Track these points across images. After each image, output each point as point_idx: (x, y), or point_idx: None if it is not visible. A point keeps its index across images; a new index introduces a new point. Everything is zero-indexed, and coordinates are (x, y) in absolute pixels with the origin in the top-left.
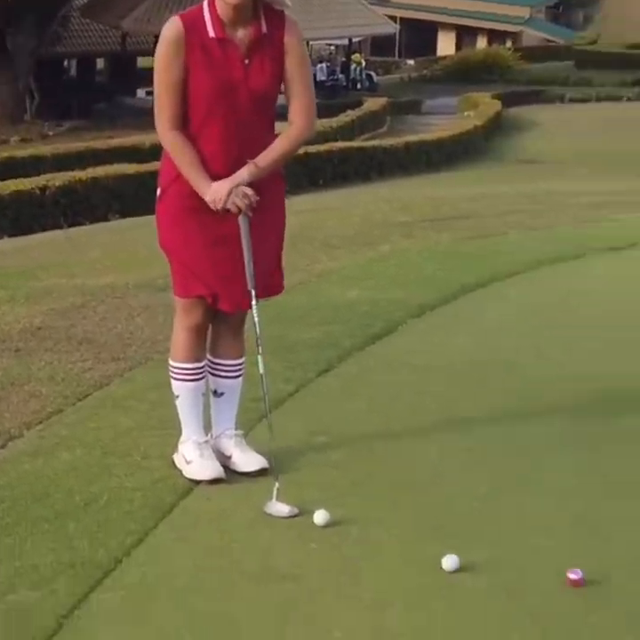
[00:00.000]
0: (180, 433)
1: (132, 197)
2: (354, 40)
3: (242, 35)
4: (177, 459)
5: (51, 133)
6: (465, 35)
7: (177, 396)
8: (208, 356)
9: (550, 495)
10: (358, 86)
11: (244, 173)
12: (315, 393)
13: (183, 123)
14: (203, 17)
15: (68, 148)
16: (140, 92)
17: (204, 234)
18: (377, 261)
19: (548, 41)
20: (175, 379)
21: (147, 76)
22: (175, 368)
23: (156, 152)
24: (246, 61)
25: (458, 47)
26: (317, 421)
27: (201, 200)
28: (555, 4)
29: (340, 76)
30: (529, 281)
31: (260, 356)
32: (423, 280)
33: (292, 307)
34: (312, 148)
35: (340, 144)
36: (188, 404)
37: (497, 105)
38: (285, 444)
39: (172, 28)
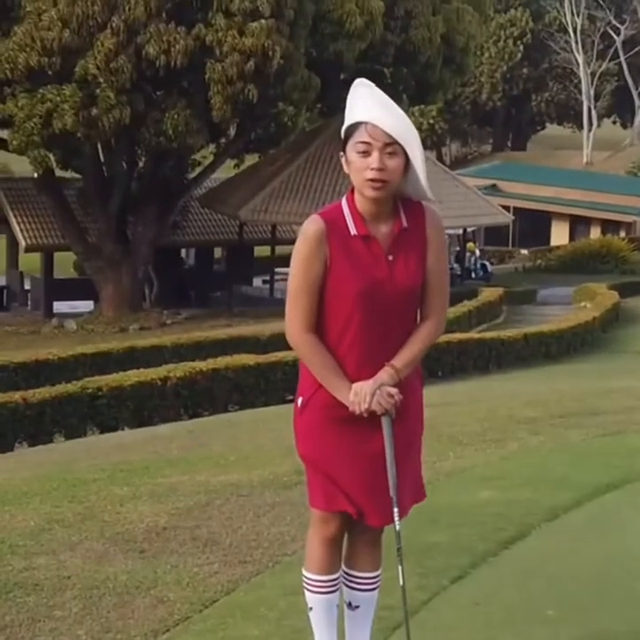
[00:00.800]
0: None
1: (252, 388)
2: (468, 229)
3: (384, 230)
4: None
5: (169, 322)
6: (578, 224)
7: (310, 608)
8: (343, 567)
9: None
10: (472, 276)
11: (384, 376)
12: (449, 602)
13: (318, 328)
14: (343, 214)
15: (188, 339)
16: (257, 281)
17: (349, 446)
18: (506, 460)
19: None
20: (309, 590)
21: (263, 266)
22: (309, 580)
23: (275, 342)
24: (390, 258)
25: (571, 237)
26: (455, 634)
27: (345, 409)
28: None
29: (455, 265)
30: None
31: (400, 567)
32: (555, 481)
33: (422, 507)
34: None
35: (459, 335)
36: (321, 617)
37: (614, 296)
38: None
39: (313, 225)
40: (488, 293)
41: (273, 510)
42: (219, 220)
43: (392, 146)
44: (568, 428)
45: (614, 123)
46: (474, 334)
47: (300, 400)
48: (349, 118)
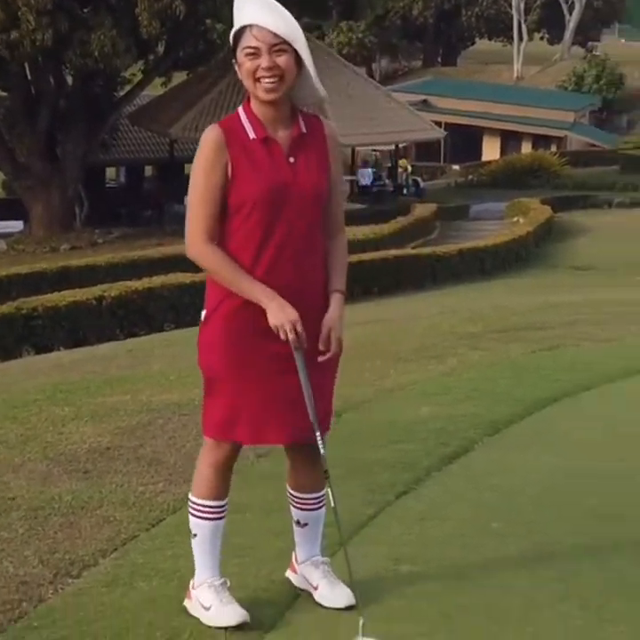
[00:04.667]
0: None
1: (188, 307)
2: (400, 145)
3: (282, 134)
4: (190, 605)
5: (100, 241)
6: (509, 139)
7: (194, 535)
8: (288, 488)
9: None
10: (405, 192)
11: (338, 308)
12: (396, 517)
13: (224, 238)
14: (240, 121)
15: (122, 258)
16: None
17: (256, 358)
18: (447, 375)
19: (593, 145)
20: (194, 515)
21: None
22: (195, 504)
23: None
24: (291, 160)
25: (502, 152)
26: (401, 548)
27: (253, 320)
28: (598, 109)
29: (387, 181)
30: (604, 395)
31: (328, 489)
32: (496, 395)
33: (364, 424)
34: (366, 256)
35: (394, 252)
36: (205, 544)
37: (547, 210)
38: (370, 574)
39: (211, 133)
40: (421, 209)
41: None
42: (149, 138)
43: (280, 45)
44: (508, 343)
45: (542, 38)
46: (409, 250)
47: (203, 313)
48: (236, 24)
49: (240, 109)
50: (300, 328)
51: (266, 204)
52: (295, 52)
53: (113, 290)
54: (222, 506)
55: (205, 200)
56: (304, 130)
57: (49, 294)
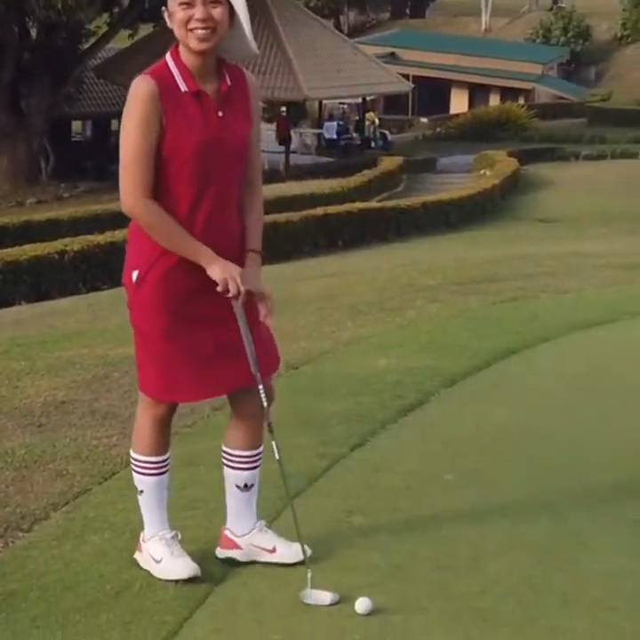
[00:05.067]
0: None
1: None
2: (367, 98)
3: (211, 87)
4: (141, 558)
5: (66, 195)
6: (477, 92)
7: (140, 491)
8: (232, 450)
9: (601, 577)
10: (372, 145)
11: (257, 268)
12: (349, 469)
13: (159, 194)
14: (170, 71)
15: (85, 211)
16: None
17: (195, 313)
18: (404, 328)
19: (561, 98)
20: (138, 472)
21: None
22: (137, 461)
23: None
24: (220, 114)
25: (471, 104)
26: (354, 500)
27: (188, 280)
28: (566, 62)
29: (355, 134)
30: (563, 347)
31: (273, 442)
32: (454, 347)
33: (320, 377)
34: (331, 209)
35: (359, 204)
36: (151, 500)
37: (514, 163)
38: (322, 526)
39: (144, 85)
40: (388, 162)
41: None
42: (115, 91)
43: None
44: (467, 295)
45: None
46: (374, 203)
47: (135, 274)
48: None
49: (168, 58)
50: (243, 286)
51: (197, 159)
52: (230, 4)
53: (75, 244)
54: (164, 460)
55: (144, 154)
56: (229, 82)
57: (9, 249)
